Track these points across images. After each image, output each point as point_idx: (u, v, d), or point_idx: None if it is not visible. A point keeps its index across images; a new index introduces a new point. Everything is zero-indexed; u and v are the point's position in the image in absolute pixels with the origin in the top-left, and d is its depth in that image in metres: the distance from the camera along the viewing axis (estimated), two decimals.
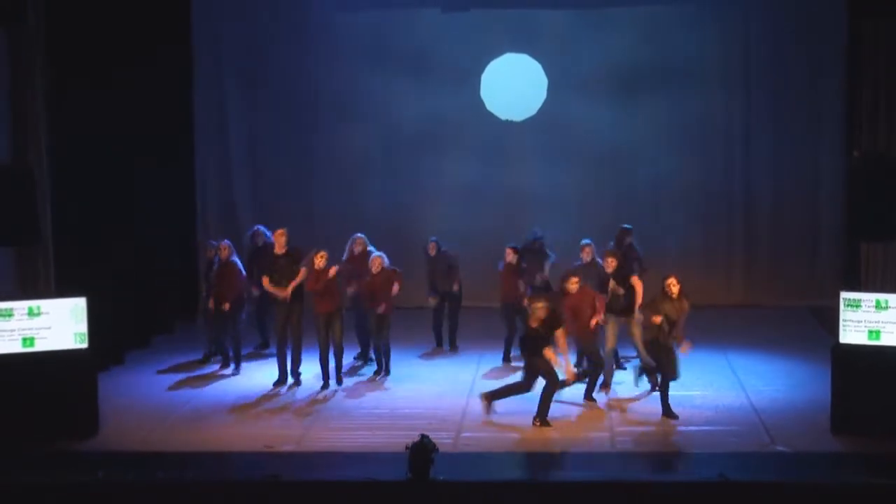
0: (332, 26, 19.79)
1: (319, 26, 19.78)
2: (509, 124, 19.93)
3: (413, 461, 9.24)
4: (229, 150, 20.04)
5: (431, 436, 9.36)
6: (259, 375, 15.87)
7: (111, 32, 16.45)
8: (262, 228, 17.01)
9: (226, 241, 16.27)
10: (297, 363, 15.38)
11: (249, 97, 20.02)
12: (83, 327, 13.30)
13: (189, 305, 19.26)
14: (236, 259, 16.14)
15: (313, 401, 14.66)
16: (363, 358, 16.41)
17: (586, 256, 15.81)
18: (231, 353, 16.12)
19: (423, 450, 9.30)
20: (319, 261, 15.10)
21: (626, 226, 16.97)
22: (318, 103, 20.00)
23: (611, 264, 14.85)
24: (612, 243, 16.31)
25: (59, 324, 13.22)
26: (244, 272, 16.10)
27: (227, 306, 15.83)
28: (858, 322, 13.00)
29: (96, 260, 15.89)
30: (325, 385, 15.18)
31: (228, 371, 16.08)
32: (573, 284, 14.41)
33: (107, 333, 14.78)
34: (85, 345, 13.33)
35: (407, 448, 9.28)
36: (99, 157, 16.20)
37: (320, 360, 15.21)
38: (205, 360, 16.49)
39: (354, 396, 14.86)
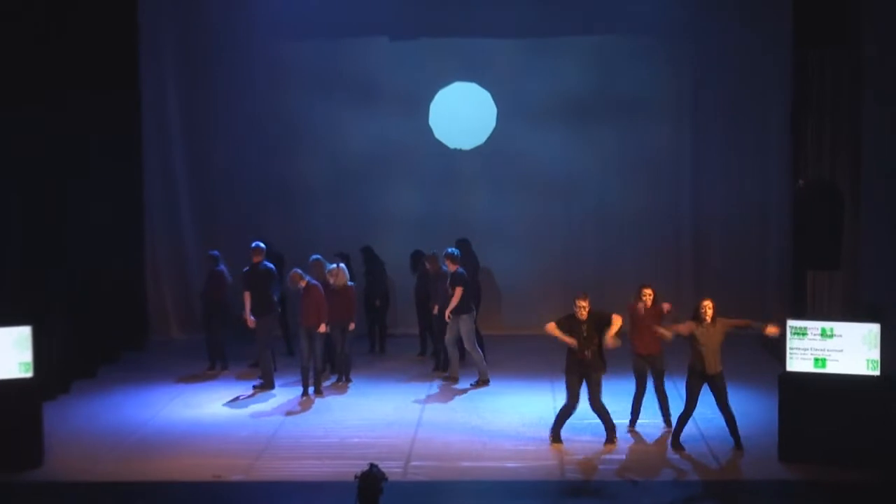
0: (283, 53, 19.77)
1: (269, 53, 19.75)
2: (458, 152, 19.98)
3: (362, 490, 9.17)
4: (176, 177, 19.92)
5: (380, 465, 9.30)
6: (209, 404, 15.77)
7: (54, 54, 16.30)
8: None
9: (213, 252, 17.53)
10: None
11: (197, 123, 19.92)
12: (28, 356, 13.15)
13: (136, 334, 19.12)
14: (222, 268, 17.38)
15: (263, 429, 14.60)
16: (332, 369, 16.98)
17: (431, 266, 17.12)
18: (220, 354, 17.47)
19: (371, 479, 9.23)
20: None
21: (451, 250, 17.47)
22: (268, 130, 19.95)
23: (451, 267, 16.63)
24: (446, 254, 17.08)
25: (3, 353, 13.06)
26: (229, 279, 17.46)
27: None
28: (805, 350, 13.11)
29: (41, 288, 15.73)
30: (304, 393, 16.06)
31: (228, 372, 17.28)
32: (647, 297, 14.24)
33: (53, 361, 14.65)
34: (30, 374, 13.18)
35: (356, 477, 9.21)
36: (43, 185, 16.05)
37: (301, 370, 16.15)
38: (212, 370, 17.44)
39: (304, 425, 14.80)
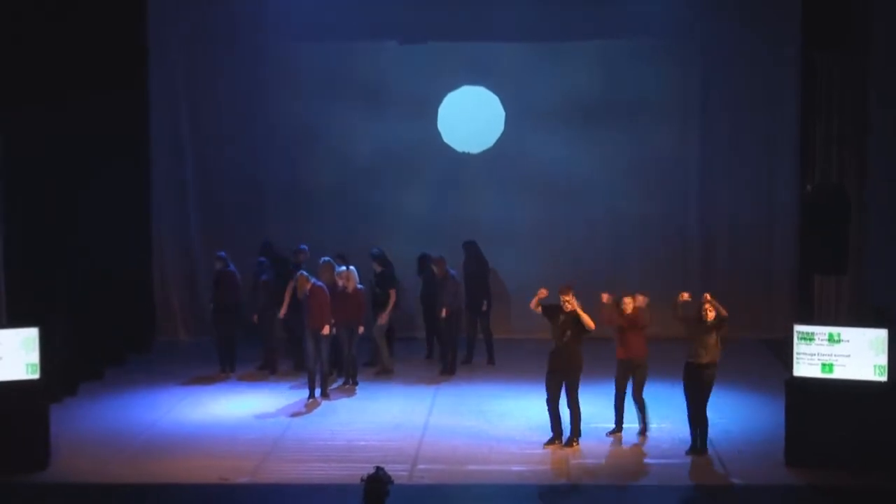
0: (291, 57, 19.80)
1: (278, 56, 19.77)
2: (466, 156, 19.97)
3: (368, 494, 9.17)
4: (185, 179, 19.96)
5: (387, 468, 9.29)
6: (215, 407, 15.79)
7: (62, 60, 16.32)
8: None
9: (220, 253, 17.51)
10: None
11: (206, 127, 19.93)
12: (35, 358, 13.16)
13: (143, 336, 19.13)
14: (233, 269, 17.43)
15: (269, 431, 14.59)
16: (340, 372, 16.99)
17: (438, 269, 17.41)
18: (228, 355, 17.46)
19: (378, 482, 9.22)
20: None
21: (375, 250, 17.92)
22: (276, 133, 19.97)
23: (377, 268, 17.47)
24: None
25: (10, 354, 13.07)
26: (239, 281, 17.49)
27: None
28: (812, 355, 13.09)
29: (48, 290, 15.75)
30: (311, 396, 16.00)
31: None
32: (627, 304, 14.17)
33: (60, 363, 14.66)
34: (36, 375, 13.19)
35: (362, 480, 9.20)
36: (50, 188, 16.07)
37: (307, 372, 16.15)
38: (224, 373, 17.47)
39: (310, 428, 14.80)
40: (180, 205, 19.98)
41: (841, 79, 16.72)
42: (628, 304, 14.10)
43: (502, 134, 19.88)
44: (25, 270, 15.23)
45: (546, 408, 13.94)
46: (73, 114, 16.39)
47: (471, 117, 19.88)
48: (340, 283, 16.40)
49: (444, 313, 17.31)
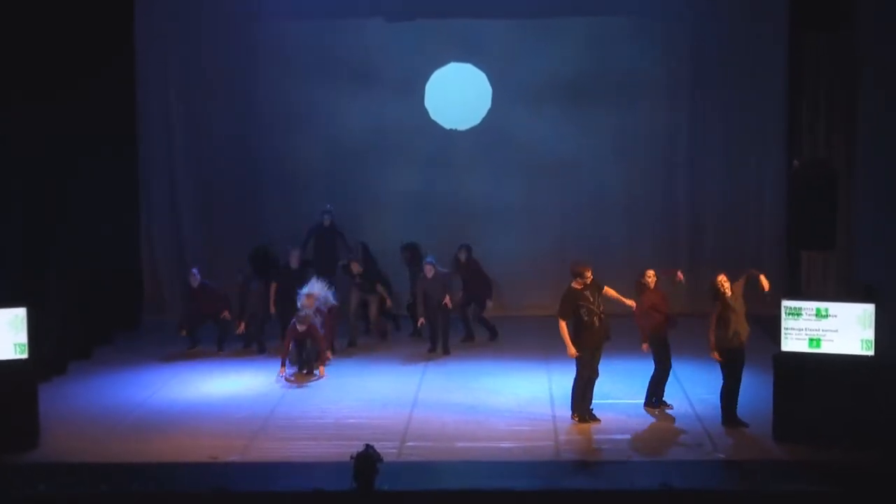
0: (278, 35, 19.73)
1: (265, 35, 19.71)
2: (453, 133, 19.95)
3: (358, 471, 9.24)
4: (174, 159, 19.91)
5: (376, 446, 9.36)
6: (205, 385, 15.80)
7: (54, 40, 16.31)
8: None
9: (192, 270, 17.50)
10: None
11: (194, 105, 19.88)
12: (23, 338, 13.15)
13: (131, 315, 19.13)
14: (208, 283, 17.48)
15: (259, 410, 14.60)
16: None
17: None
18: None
19: (367, 460, 9.29)
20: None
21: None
22: (264, 111, 19.92)
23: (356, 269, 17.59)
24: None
25: None
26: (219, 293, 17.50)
27: (226, 314, 17.39)
28: (799, 330, 13.13)
29: (37, 269, 15.74)
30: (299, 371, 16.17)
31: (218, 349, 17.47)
32: (651, 279, 14.22)
33: (48, 342, 14.66)
34: (25, 355, 13.18)
35: (352, 458, 9.27)
36: (39, 167, 16.04)
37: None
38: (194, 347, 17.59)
39: (300, 405, 14.82)
40: (168, 184, 19.93)
41: (829, 54, 16.75)
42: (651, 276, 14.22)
43: (490, 111, 19.85)
44: (12, 250, 15.21)
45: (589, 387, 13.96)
46: (62, 97, 16.37)
47: (458, 94, 19.85)
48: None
49: (446, 301, 17.11)
